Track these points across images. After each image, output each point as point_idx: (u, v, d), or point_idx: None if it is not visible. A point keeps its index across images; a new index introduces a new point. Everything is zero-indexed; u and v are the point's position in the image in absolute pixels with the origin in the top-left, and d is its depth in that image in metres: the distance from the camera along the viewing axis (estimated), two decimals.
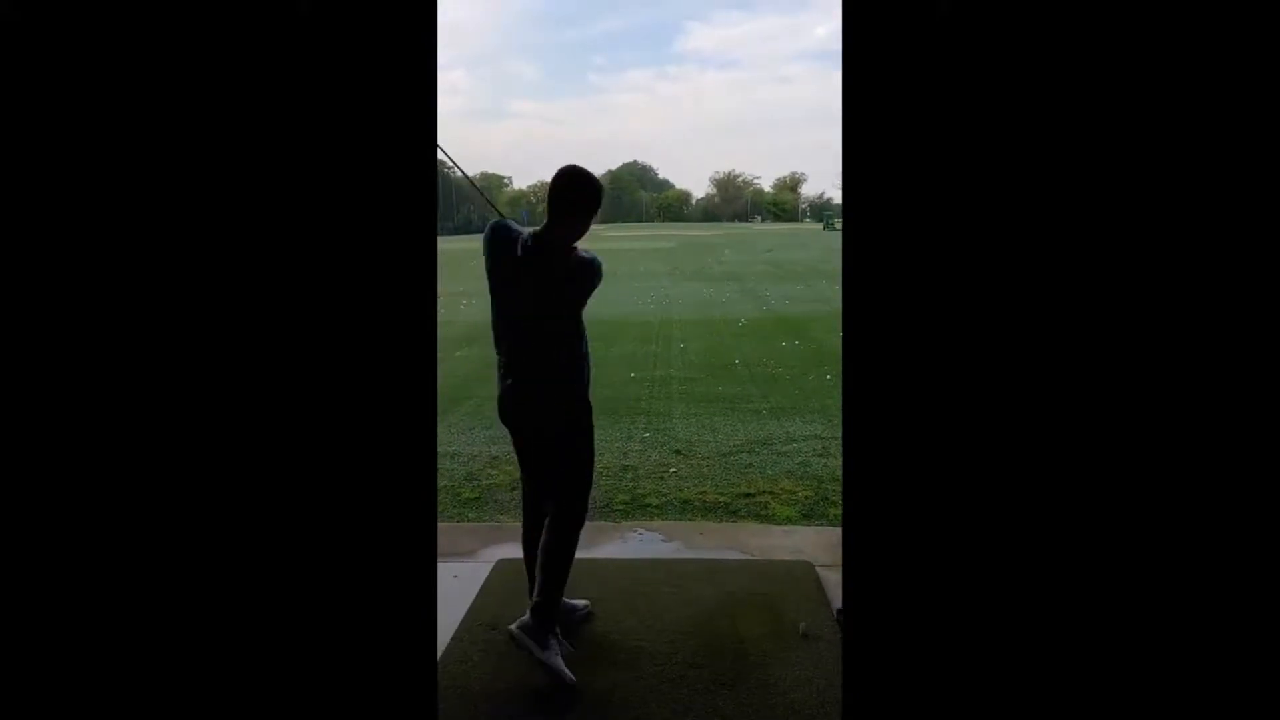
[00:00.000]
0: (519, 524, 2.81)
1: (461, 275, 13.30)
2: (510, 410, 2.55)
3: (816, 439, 5.45)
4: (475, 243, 2.80)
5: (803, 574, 3.18)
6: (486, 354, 2.73)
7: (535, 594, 2.50)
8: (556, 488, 2.58)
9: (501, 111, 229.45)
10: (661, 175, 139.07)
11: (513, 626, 2.48)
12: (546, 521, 2.56)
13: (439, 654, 2.56)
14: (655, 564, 3.29)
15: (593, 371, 2.63)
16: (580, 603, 2.87)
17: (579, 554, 3.48)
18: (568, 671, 2.43)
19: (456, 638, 2.67)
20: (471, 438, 5.51)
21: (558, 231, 2.46)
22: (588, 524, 3.90)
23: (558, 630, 2.50)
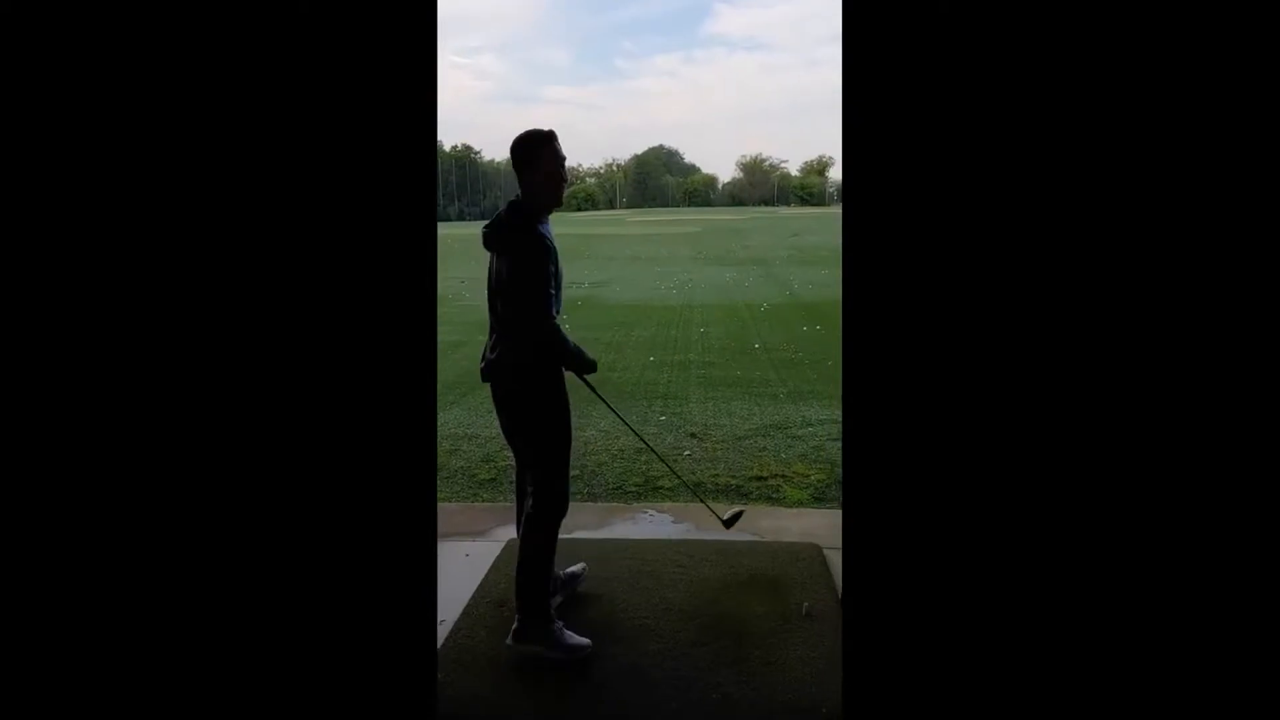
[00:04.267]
0: None
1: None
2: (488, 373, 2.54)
3: (833, 423, 5.44)
4: None
5: (809, 555, 3.20)
6: None
7: (516, 599, 2.49)
8: (531, 465, 2.56)
9: (532, 96, 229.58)
10: (688, 159, 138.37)
11: (509, 640, 2.48)
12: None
13: (449, 628, 2.62)
14: (664, 544, 3.32)
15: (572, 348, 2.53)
16: (575, 569, 2.91)
17: (588, 534, 3.54)
18: (583, 640, 2.48)
19: (465, 613, 2.73)
20: (490, 420, 5.56)
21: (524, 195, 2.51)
22: (598, 504, 3.98)
23: (552, 615, 2.50)
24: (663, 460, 3.45)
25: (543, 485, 2.51)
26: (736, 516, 3.12)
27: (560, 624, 2.50)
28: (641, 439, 3.08)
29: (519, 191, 2.52)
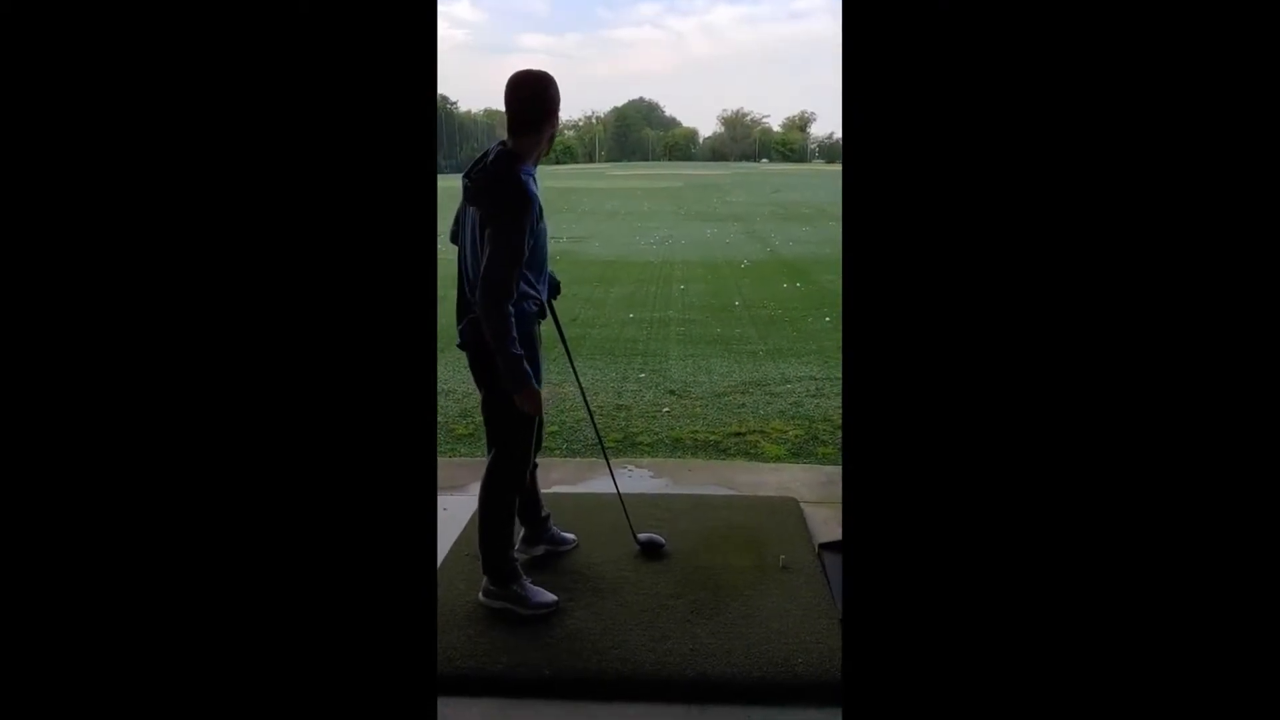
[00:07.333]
0: None
1: None
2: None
3: (811, 380, 5.47)
4: None
5: (787, 509, 3.23)
6: None
7: (479, 555, 2.50)
8: (499, 425, 2.51)
9: (509, 46, 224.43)
10: (669, 113, 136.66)
11: (480, 596, 2.49)
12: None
13: None
14: (642, 499, 3.33)
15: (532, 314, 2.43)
16: (569, 536, 2.92)
17: (567, 488, 3.55)
18: (549, 596, 2.49)
19: (443, 567, 2.74)
20: (467, 376, 5.53)
21: (517, 145, 2.34)
22: (577, 460, 3.98)
23: (519, 571, 2.50)
24: (600, 440, 3.43)
25: (505, 444, 2.49)
26: (653, 545, 2.87)
27: (526, 579, 2.51)
28: (589, 410, 3.04)
29: (506, 139, 2.34)
